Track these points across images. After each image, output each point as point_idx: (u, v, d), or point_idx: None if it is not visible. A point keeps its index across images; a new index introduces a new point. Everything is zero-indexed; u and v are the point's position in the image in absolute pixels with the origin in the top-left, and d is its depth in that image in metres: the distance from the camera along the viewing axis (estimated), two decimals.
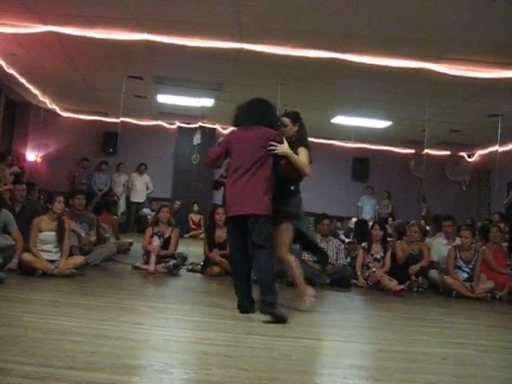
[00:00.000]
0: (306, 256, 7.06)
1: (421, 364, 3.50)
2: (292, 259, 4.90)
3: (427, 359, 3.63)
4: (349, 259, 7.64)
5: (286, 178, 4.82)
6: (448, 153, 14.82)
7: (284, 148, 4.63)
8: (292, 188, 4.91)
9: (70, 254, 6.12)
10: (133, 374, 2.81)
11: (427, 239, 8.18)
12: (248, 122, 4.68)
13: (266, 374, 2.99)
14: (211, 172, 14.15)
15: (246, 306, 4.62)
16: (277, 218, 4.66)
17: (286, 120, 4.98)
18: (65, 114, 13.95)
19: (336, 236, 8.80)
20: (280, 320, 4.32)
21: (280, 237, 4.77)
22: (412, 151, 14.63)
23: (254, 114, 4.69)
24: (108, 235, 7.88)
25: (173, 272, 6.68)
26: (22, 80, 10.72)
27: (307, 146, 4.90)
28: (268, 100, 4.88)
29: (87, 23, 7.18)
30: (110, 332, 3.62)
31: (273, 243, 4.64)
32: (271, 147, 4.57)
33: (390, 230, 9.25)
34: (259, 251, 4.45)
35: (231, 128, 4.96)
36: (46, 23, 7.28)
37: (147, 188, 13.54)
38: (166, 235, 7.06)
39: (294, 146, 4.78)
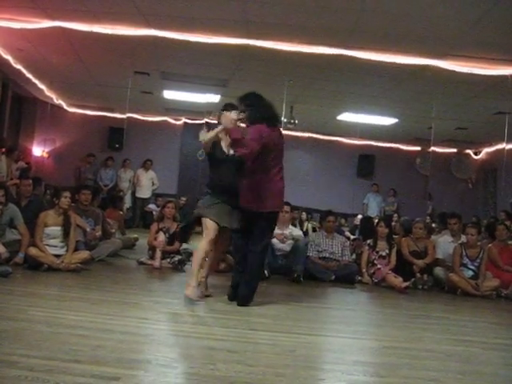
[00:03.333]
0: (313, 253, 7.07)
1: (425, 361, 3.50)
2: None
3: (432, 356, 3.63)
4: (354, 256, 7.64)
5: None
6: (454, 150, 14.78)
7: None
8: None
9: (76, 249, 6.14)
10: (137, 368, 2.82)
11: (433, 237, 8.16)
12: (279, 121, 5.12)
13: (270, 369, 3.00)
14: None
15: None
16: None
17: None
18: (71, 110, 13.99)
19: (341, 233, 8.80)
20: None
21: None
22: (418, 149, 14.61)
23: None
24: (113, 230, 7.89)
25: (178, 267, 6.70)
26: (29, 75, 10.75)
27: None
28: None
29: (94, 19, 7.19)
30: (115, 326, 3.63)
31: None
32: None
33: (396, 228, 9.24)
34: None
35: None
36: (52, 18, 7.30)
37: (153, 184, 13.56)
38: (172, 231, 7.07)
39: None
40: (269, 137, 4.67)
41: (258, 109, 4.80)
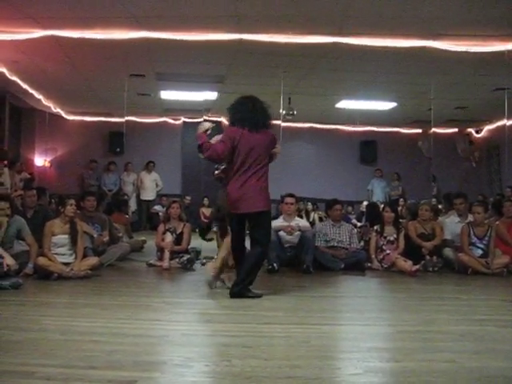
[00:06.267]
0: (321, 243, 7.07)
1: (440, 343, 3.49)
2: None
3: (446, 337, 3.63)
4: (362, 243, 7.62)
5: None
6: (456, 130, 14.71)
7: (280, 148, 5.21)
8: None
9: (84, 256, 6.15)
10: (153, 370, 2.83)
11: (440, 218, 8.14)
12: (255, 124, 4.93)
13: (286, 361, 3.00)
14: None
15: None
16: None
17: None
18: (70, 117, 14.01)
19: (348, 220, 8.79)
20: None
21: None
22: (419, 131, 14.55)
23: (259, 117, 4.97)
24: (121, 234, 7.91)
25: (187, 267, 6.70)
26: (25, 86, 10.75)
27: None
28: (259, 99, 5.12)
29: (85, 25, 7.18)
30: (128, 330, 3.64)
31: None
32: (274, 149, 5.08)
33: (402, 212, 9.22)
34: (256, 244, 4.91)
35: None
36: (44, 27, 7.29)
37: (157, 185, 13.58)
38: (179, 231, 7.08)
39: None
40: (228, 137, 4.92)
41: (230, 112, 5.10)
